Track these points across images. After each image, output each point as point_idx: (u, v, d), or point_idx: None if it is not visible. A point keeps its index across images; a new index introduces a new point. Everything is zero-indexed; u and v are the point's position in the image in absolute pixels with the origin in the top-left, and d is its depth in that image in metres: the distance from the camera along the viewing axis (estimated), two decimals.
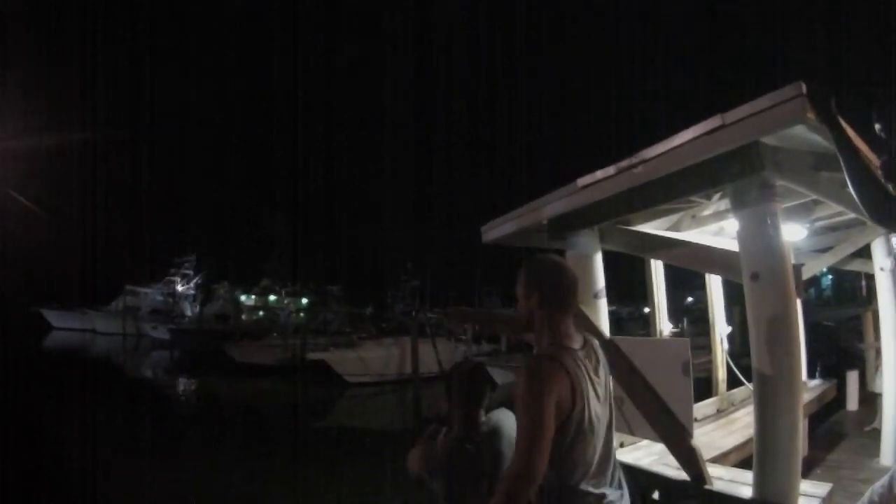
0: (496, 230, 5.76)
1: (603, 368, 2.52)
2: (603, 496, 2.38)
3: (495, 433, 2.81)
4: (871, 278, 7.34)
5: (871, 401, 8.34)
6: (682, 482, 3.99)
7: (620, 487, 2.49)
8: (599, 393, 2.42)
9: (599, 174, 4.14)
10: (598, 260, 4.94)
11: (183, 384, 30.29)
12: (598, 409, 2.39)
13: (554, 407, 2.21)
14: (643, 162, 3.70)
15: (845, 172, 2.86)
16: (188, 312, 68.72)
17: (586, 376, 2.36)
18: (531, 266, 2.60)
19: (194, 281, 74.49)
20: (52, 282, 75.07)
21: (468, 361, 3.11)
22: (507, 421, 2.86)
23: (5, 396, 18.56)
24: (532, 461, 2.13)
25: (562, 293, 2.49)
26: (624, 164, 3.86)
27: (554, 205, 4.76)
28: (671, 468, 4.20)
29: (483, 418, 2.89)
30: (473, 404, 2.89)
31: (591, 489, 2.35)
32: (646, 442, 5.02)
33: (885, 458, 6.10)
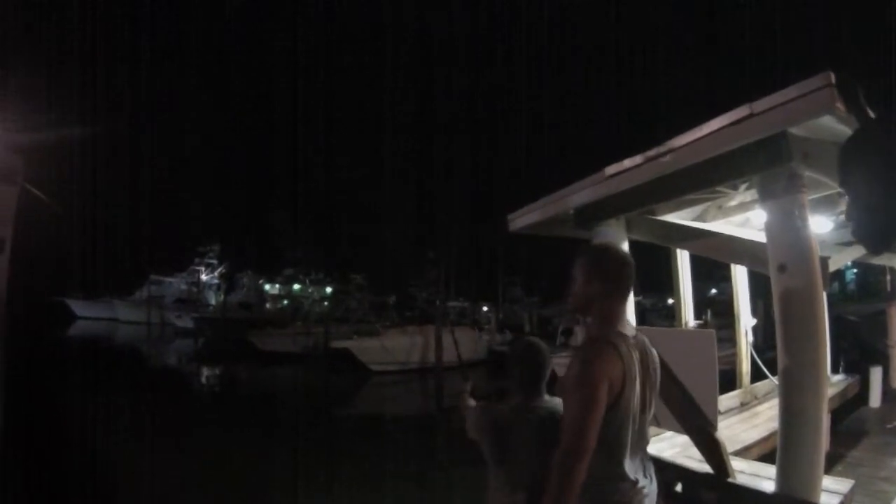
0: (522, 219, 5.77)
1: (651, 360, 2.61)
2: (636, 482, 2.46)
3: (554, 413, 2.86)
4: None
5: (894, 398, 8.28)
6: (705, 475, 3.99)
7: (650, 476, 2.59)
8: (645, 382, 2.51)
9: (627, 163, 4.13)
10: (625, 250, 4.91)
11: (206, 372, 30.47)
12: (641, 397, 2.48)
13: (606, 388, 2.30)
14: (671, 151, 3.69)
15: None
16: (212, 301, 69.21)
17: (636, 364, 2.45)
18: (595, 254, 2.74)
19: (218, 270, 75.06)
20: (77, 272, 75.79)
21: (531, 337, 3.18)
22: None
23: (26, 383, 18.76)
24: (583, 438, 2.24)
25: (625, 283, 2.60)
26: (652, 153, 3.86)
27: (581, 194, 4.76)
28: (694, 460, 4.19)
29: (545, 396, 2.98)
30: (534, 379, 2.97)
31: (628, 474, 2.43)
32: (669, 433, 5.01)
33: None
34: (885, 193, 2.76)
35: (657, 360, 2.66)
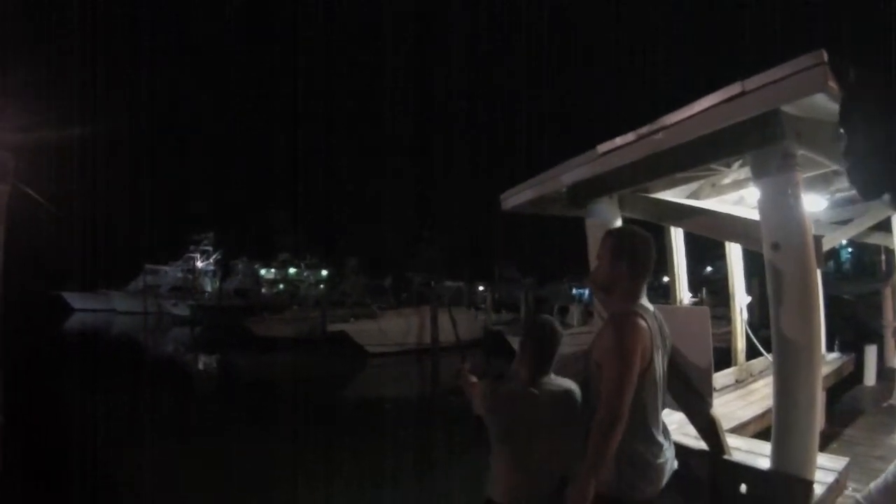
0: (515, 198, 5.76)
1: (666, 333, 2.90)
2: (662, 444, 2.76)
3: (560, 391, 3.00)
4: (891, 252, 7.27)
5: (888, 376, 8.29)
6: (701, 451, 4.00)
7: (669, 439, 2.89)
8: (663, 353, 2.80)
9: (619, 140, 4.12)
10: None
11: (204, 360, 30.44)
12: (661, 366, 2.76)
13: (639, 356, 2.57)
14: (663, 128, 3.67)
15: None
16: (208, 288, 69.15)
17: (657, 335, 2.74)
18: (624, 235, 3.00)
19: (213, 257, 74.90)
20: (74, 265, 75.23)
21: (548, 317, 3.27)
22: (570, 385, 3.06)
23: (25, 379, 18.70)
24: (621, 403, 2.49)
25: (649, 263, 2.86)
26: (644, 130, 3.84)
27: (573, 172, 4.75)
28: (690, 437, 4.19)
29: (552, 375, 3.06)
30: (544, 358, 3.06)
31: (656, 436, 2.73)
32: (665, 411, 5.02)
33: None
34: (882, 140, 2.78)
35: (667, 331, 2.89)
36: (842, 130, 2.88)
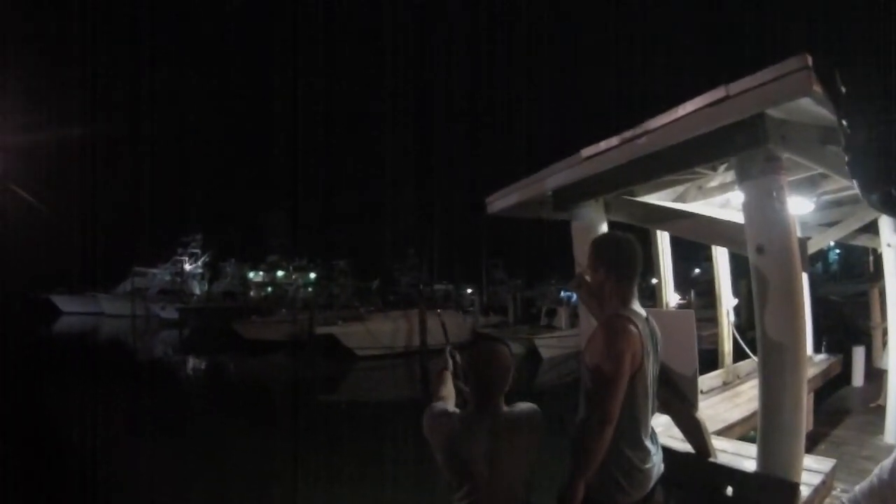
0: (501, 201, 5.74)
1: (657, 338, 2.89)
2: (650, 450, 2.76)
3: (513, 423, 2.64)
4: (878, 254, 7.29)
5: (877, 377, 8.32)
6: (687, 454, 3.99)
7: (658, 444, 2.90)
8: (654, 358, 2.80)
9: (603, 145, 4.11)
10: (604, 231, 4.90)
11: (192, 363, 30.34)
12: (652, 371, 2.77)
13: (629, 360, 2.58)
14: (647, 133, 3.67)
15: None
16: (196, 291, 69.04)
17: (648, 339, 2.73)
18: (607, 241, 3.05)
19: (202, 259, 74.76)
20: (62, 268, 74.79)
21: (492, 338, 2.81)
22: (521, 414, 2.69)
23: (13, 381, 18.59)
24: (611, 405, 2.51)
25: (633, 267, 2.87)
26: (628, 134, 3.84)
27: (558, 176, 4.74)
28: (676, 440, 4.19)
29: (504, 407, 2.68)
30: (492, 388, 2.66)
31: (644, 442, 2.73)
32: None
33: (890, 436, 6.07)
34: (883, 134, 2.78)
35: (659, 335, 2.90)
36: (843, 123, 2.89)
